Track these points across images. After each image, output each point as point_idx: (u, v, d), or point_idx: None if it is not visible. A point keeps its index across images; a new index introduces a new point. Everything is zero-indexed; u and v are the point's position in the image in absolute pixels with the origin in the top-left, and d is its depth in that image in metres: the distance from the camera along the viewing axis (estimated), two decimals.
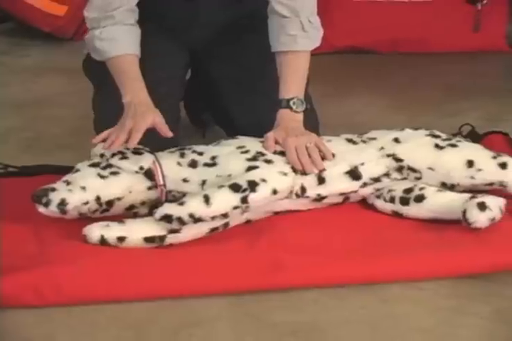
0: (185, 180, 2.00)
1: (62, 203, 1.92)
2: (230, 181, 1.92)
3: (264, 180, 1.92)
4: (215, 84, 2.41)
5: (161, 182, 2.00)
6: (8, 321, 1.68)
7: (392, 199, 2.07)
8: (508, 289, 1.80)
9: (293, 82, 2.18)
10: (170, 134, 2.01)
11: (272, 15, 2.23)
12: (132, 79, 2.11)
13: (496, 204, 1.96)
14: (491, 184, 2.07)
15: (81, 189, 1.95)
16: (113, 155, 2.01)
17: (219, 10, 2.33)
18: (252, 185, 1.90)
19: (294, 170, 2.02)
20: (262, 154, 2.03)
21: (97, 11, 2.16)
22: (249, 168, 1.96)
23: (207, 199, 1.86)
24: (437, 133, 2.18)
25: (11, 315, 1.69)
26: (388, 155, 2.09)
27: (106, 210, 1.98)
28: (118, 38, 2.15)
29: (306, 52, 2.23)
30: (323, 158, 2.06)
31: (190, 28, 2.35)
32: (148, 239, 1.89)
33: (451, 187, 2.08)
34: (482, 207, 1.93)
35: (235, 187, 1.89)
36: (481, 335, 1.65)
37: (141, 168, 1.99)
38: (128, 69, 2.13)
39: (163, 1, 2.30)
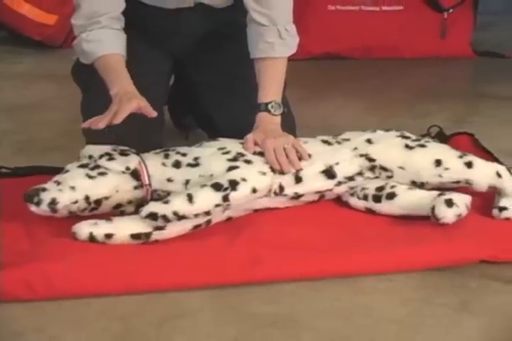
0: (169, 180, 2.00)
1: (53, 202, 1.91)
2: (212, 180, 1.92)
3: (244, 180, 1.92)
4: (197, 90, 2.41)
5: (147, 182, 1.99)
6: (0, 314, 1.68)
7: (365, 197, 2.07)
8: (473, 281, 1.81)
9: (271, 87, 2.18)
10: (154, 114, 1.97)
11: (250, 24, 2.23)
12: (119, 75, 2.09)
13: (462, 201, 1.97)
14: (458, 182, 2.08)
15: (70, 189, 1.94)
16: (101, 156, 2.01)
17: (200, 20, 2.33)
18: (233, 184, 1.90)
19: (273, 170, 2.02)
20: (242, 155, 2.03)
21: (84, 19, 2.15)
22: (230, 168, 1.96)
23: (190, 198, 1.86)
24: (407, 134, 2.19)
25: (4, 309, 1.69)
26: (361, 155, 2.10)
27: (94, 209, 1.98)
28: (105, 40, 2.13)
29: (283, 58, 2.23)
30: (300, 159, 2.06)
31: (172, 37, 2.35)
32: (134, 236, 1.88)
33: (421, 185, 2.08)
34: (449, 203, 1.93)
35: (217, 187, 1.89)
36: (448, 324, 1.65)
37: (128, 169, 1.98)
38: (115, 66, 2.10)
39: (146, 11, 2.30)
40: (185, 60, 2.42)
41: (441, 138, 2.48)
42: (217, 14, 2.34)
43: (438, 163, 2.07)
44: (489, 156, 2.32)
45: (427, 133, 2.48)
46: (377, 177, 2.10)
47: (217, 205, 1.88)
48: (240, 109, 2.22)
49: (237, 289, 1.77)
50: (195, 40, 2.37)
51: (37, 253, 1.82)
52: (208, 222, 1.94)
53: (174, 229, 1.89)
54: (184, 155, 2.04)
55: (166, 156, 2.04)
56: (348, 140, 2.15)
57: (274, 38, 2.20)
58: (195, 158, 2.02)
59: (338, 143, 2.14)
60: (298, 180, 2.05)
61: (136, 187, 2.00)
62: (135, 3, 2.25)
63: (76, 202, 1.94)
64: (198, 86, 2.41)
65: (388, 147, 2.12)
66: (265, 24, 2.20)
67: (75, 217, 1.95)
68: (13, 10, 3.92)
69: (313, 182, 2.07)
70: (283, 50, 2.23)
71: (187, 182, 1.98)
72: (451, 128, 2.59)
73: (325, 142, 2.15)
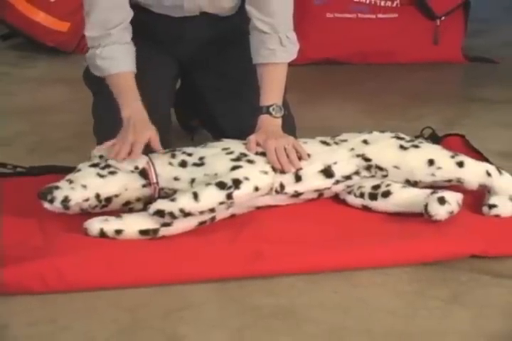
0: (176, 179, 2.00)
1: (65, 200, 1.91)
2: (216, 179, 1.91)
3: (247, 178, 1.92)
4: (202, 93, 2.41)
5: (154, 181, 1.99)
6: (14, 306, 1.68)
7: (361, 195, 2.07)
8: (464, 274, 1.81)
9: (272, 91, 2.18)
10: (160, 149, 2.03)
11: (253, 31, 2.22)
12: (130, 96, 2.11)
13: (454, 198, 1.97)
14: (450, 180, 2.07)
15: (82, 187, 1.94)
16: None
17: (204, 27, 2.32)
18: (236, 183, 1.90)
19: (274, 169, 2.02)
20: (245, 155, 2.02)
21: (97, 30, 2.15)
22: (234, 168, 1.96)
23: (196, 196, 1.86)
24: (402, 135, 2.18)
25: (18, 301, 1.69)
26: (358, 156, 2.10)
27: (105, 206, 1.98)
28: (117, 57, 2.14)
29: (284, 64, 2.22)
30: (299, 158, 2.06)
31: (178, 43, 2.35)
32: (143, 232, 1.88)
33: (414, 184, 2.08)
34: (442, 201, 1.93)
35: (221, 185, 1.89)
36: (440, 316, 1.65)
37: (136, 168, 1.98)
38: (126, 86, 2.13)
39: (153, 18, 2.29)
40: (190, 65, 2.42)
41: (434, 139, 2.47)
42: (222, 21, 2.34)
43: (431, 162, 2.07)
44: (479, 156, 2.32)
45: (421, 135, 2.48)
46: (373, 176, 2.09)
47: (221, 203, 1.88)
48: (243, 111, 2.21)
49: (240, 282, 1.76)
50: (200, 45, 2.36)
51: (50, 248, 1.82)
52: (213, 218, 1.94)
53: (180, 226, 1.89)
54: (190, 155, 2.04)
55: (173, 156, 2.04)
56: (345, 141, 2.15)
57: (276, 45, 2.20)
58: (201, 158, 2.02)
59: (336, 143, 2.14)
60: (298, 179, 2.05)
61: (144, 186, 1.99)
62: (142, 10, 2.25)
63: (87, 199, 1.94)
64: (202, 89, 2.41)
65: (384, 147, 2.11)
66: (267, 32, 2.20)
67: (86, 214, 1.95)
68: (28, 17, 3.91)
69: (313, 181, 2.06)
70: (284, 56, 2.22)
71: (193, 180, 1.98)
72: (443, 130, 2.59)
73: (323, 143, 2.14)
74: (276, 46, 2.20)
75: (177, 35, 2.33)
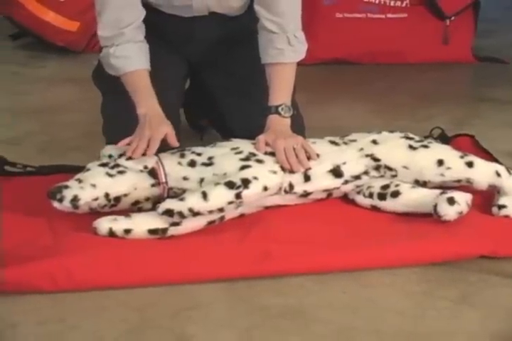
0: (185, 178, 2.00)
1: (75, 199, 1.92)
2: (225, 179, 1.92)
3: (256, 178, 1.92)
4: (211, 93, 2.41)
5: (164, 180, 1.99)
6: (24, 305, 1.68)
7: (370, 195, 2.07)
8: (473, 275, 1.80)
9: (281, 91, 2.18)
10: (177, 144, 2.03)
11: (261, 31, 2.22)
12: (146, 94, 2.12)
13: (463, 199, 1.96)
14: (459, 181, 2.07)
15: (91, 186, 1.94)
16: (120, 156, 2.01)
17: (214, 27, 2.32)
18: (245, 183, 1.90)
19: (283, 169, 2.02)
20: (254, 155, 2.02)
21: (109, 29, 2.15)
22: (243, 167, 1.96)
23: (205, 196, 1.86)
24: (411, 135, 2.18)
25: (28, 300, 1.69)
26: (367, 155, 2.09)
27: (114, 205, 1.98)
28: (131, 55, 2.15)
29: (292, 63, 2.22)
30: (308, 158, 2.06)
31: (187, 42, 2.35)
32: (151, 231, 1.88)
33: (424, 184, 2.08)
34: (451, 201, 1.93)
35: (230, 185, 1.89)
36: (449, 316, 1.65)
37: (146, 167, 1.99)
38: (141, 84, 2.13)
39: (163, 18, 2.29)
40: (199, 65, 2.42)
41: (443, 139, 2.47)
42: (230, 21, 2.34)
43: (440, 162, 2.06)
44: (489, 156, 2.31)
45: (430, 135, 2.48)
46: (382, 176, 2.09)
47: (230, 202, 1.88)
48: (252, 111, 2.21)
49: (249, 282, 1.76)
50: (209, 45, 2.36)
51: (59, 247, 1.83)
52: (222, 218, 1.94)
53: (189, 225, 1.89)
54: (199, 154, 2.04)
55: (182, 156, 2.04)
56: (354, 141, 2.15)
57: (284, 44, 2.20)
58: (210, 158, 2.02)
59: (345, 143, 2.14)
60: (307, 178, 2.04)
61: (153, 185, 1.99)
62: (152, 10, 2.25)
63: (96, 199, 1.94)
64: (212, 89, 2.41)
65: (393, 147, 2.11)
66: (276, 31, 2.20)
67: (95, 213, 1.95)
68: (38, 17, 3.93)
69: (322, 181, 2.06)
70: (292, 55, 2.22)
71: (201, 180, 1.98)
72: (453, 130, 2.58)
73: (332, 143, 2.14)
74: (284, 46, 2.20)
75: (186, 35, 2.33)
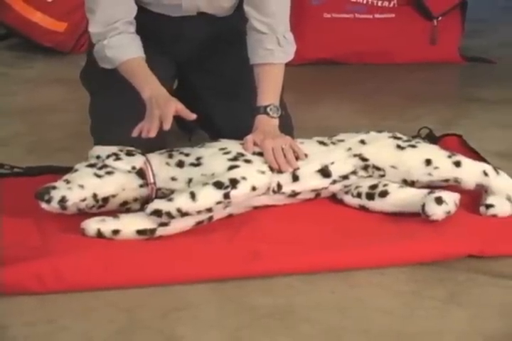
0: (173, 179, 2.00)
1: (63, 200, 1.91)
2: (213, 179, 1.91)
3: (244, 178, 1.92)
4: (199, 93, 2.41)
5: (152, 181, 1.99)
6: (12, 306, 1.68)
7: (359, 195, 2.07)
8: (461, 275, 1.81)
9: (269, 91, 2.18)
10: (193, 116, 2.04)
11: (250, 31, 2.23)
12: (147, 78, 2.13)
13: (451, 198, 1.97)
14: (447, 180, 2.08)
15: (79, 187, 1.94)
16: (108, 156, 2.00)
17: (202, 26, 2.32)
18: (234, 183, 1.90)
19: (271, 169, 2.02)
20: (242, 155, 2.03)
21: (101, 26, 2.16)
22: (231, 167, 1.96)
23: (193, 196, 1.86)
24: (399, 135, 2.19)
25: (17, 301, 1.69)
26: (355, 155, 2.10)
27: (102, 206, 1.98)
28: (126, 45, 2.17)
29: (281, 64, 2.23)
30: (297, 158, 2.06)
31: (175, 43, 2.35)
32: (140, 232, 1.88)
33: (412, 184, 2.08)
34: (439, 201, 1.94)
35: (218, 185, 1.89)
36: (437, 316, 1.65)
37: (134, 168, 1.98)
38: (140, 69, 2.15)
39: (151, 17, 2.29)
40: (187, 65, 2.42)
41: (431, 139, 2.48)
42: (219, 21, 2.34)
43: (428, 162, 2.07)
44: (476, 156, 2.32)
45: (418, 135, 2.48)
46: (370, 176, 2.10)
47: (218, 202, 1.88)
48: (240, 111, 2.22)
49: (238, 282, 1.77)
50: (198, 45, 2.37)
51: (47, 248, 1.82)
52: (210, 218, 1.94)
53: (178, 225, 1.89)
54: (187, 155, 2.04)
55: (170, 156, 2.04)
56: (342, 141, 2.15)
57: (274, 45, 2.20)
58: (198, 158, 2.02)
59: (333, 143, 2.14)
60: (295, 178, 2.05)
61: (141, 186, 1.99)
62: (140, 10, 2.25)
63: (84, 199, 1.94)
64: (199, 90, 2.41)
65: (381, 147, 2.11)
66: (265, 32, 2.20)
67: (83, 214, 1.95)
68: (25, 18, 3.91)
69: (310, 181, 2.07)
70: (282, 56, 2.23)
71: (190, 180, 1.98)
72: (441, 130, 2.59)
73: (321, 143, 2.15)
74: (274, 46, 2.20)
75: (175, 34, 2.33)
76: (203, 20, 2.31)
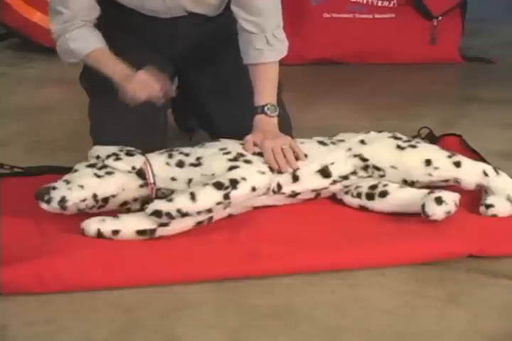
0: (173, 179, 2.00)
1: (63, 200, 1.92)
2: (213, 179, 1.91)
3: (244, 179, 1.92)
4: (197, 94, 2.41)
5: (152, 181, 1.99)
6: (12, 307, 1.68)
7: (359, 195, 2.07)
8: (461, 274, 1.81)
9: (265, 91, 2.18)
10: (162, 75, 2.13)
11: (240, 32, 2.22)
12: (115, 65, 2.17)
13: (451, 198, 1.97)
14: (447, 180, 2.08)
15: (79, 187, 1.94)
16: (108, 156, 2.00)
17: (196, 25, 2.33)
18: (234, 183, 1.90)
19: (271, 169, 2.02)
20: (242, 155, 2.02)
21: (64, 23, 2.21)
22: (231, 168, 1.96)
23: (193, 196, 1.86)
24: (399, 135, 2.19)
25: (16, 301, 1.69)
26: (355, 156, 2.10)
27: (102, 206, 1.98)
28: (88, 37, 2.22)
29: (273, 63, 2.22)
30: (296, 159, 2.06)
31: (169, 43, 2.35)
32: (140, 232, 1.88)
33: (412, 184, 2.08)
34: (439, 201, 1.93)
35: (218, 185, 1.89)
36: (437, 316, 1.65)
37: (134, 168, 1.98)
38: (107, 58, 2.20)
39: (144, 19, 2.29)
40: (185, 65, 2.42)
41: (431, 139, 2.48)
42: (212, 21, 2.34)
43: (428, 162, 2.07)
44: (476, 156, 2.32)
45: (418, 135, 2.48)
46: (370, 176, 2.09)
47: (218, 203, 1.88)
48: (239, 111, 2.21)
49: (238, 282, 1.77)
50: (192, 45, 2.36)
51: (47, 248, 1.82)
52: (210, 218, 1.94)
53: (178, 226, 1.89)
54: (187, 155, 2.04)
55: (170, 156, 2.04)
56: (342, 141, 2.15)
57: (263, 44, 2.19)
58: (198, 158, 2.02)
59: (333, 143, 2.14)
60: (295, 179, 2.05)
61: (141, 186, 1.99)
62: (131, 11, 2.26)
63: (84, 200, 1.94)
64: (198, 90, 2.41)
65: (381, 147, 2.11)
66: (254, 32, 2.19)
67: (83, 214, 1.95)
68: (25, 18, 3.92)
69: (310, 181, 2.07)
70: (272, 55, 2.21)
71: (190, 181, 1.98)
72: (441, 130, 2.59)
73: (321, 143, 2.14)
74: (263, 46, 2.19)
75: (168, 35, 2.34)
76: (196, 19, 2.31)
